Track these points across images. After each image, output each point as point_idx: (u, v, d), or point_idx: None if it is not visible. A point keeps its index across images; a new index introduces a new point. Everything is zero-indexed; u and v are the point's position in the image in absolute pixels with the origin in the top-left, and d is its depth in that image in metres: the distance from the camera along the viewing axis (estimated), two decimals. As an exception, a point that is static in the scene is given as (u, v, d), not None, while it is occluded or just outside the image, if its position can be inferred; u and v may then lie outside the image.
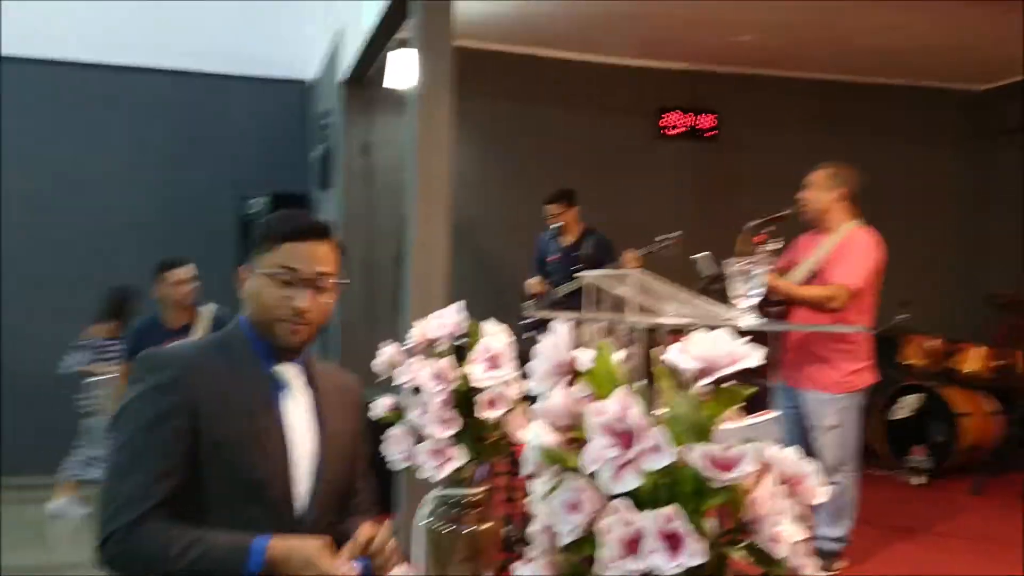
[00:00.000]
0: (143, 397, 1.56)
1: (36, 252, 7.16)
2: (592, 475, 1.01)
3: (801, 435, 3.93)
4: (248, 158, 7.55)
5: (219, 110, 7.61)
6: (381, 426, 2.02)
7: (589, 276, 2.84)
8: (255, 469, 1.60)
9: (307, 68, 7.79)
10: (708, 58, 7.19)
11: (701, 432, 1.04)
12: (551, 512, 1.04)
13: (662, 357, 1.12)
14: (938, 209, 7.71)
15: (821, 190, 4.04)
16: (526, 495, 1.13)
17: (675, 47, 6.97)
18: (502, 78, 7.01)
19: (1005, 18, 5.49)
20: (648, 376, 1.14)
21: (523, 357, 1.20)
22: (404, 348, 2.04)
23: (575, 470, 1.03)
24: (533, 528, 1.09)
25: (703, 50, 6.97)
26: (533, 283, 5.93)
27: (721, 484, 0.96)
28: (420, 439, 1.95)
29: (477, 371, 1.94)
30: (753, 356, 1.05)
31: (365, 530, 1.61)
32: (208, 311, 4.74)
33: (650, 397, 1.09)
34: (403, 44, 5.19)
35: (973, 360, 6.36)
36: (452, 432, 1.91)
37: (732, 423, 1.17)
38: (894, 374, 6.21)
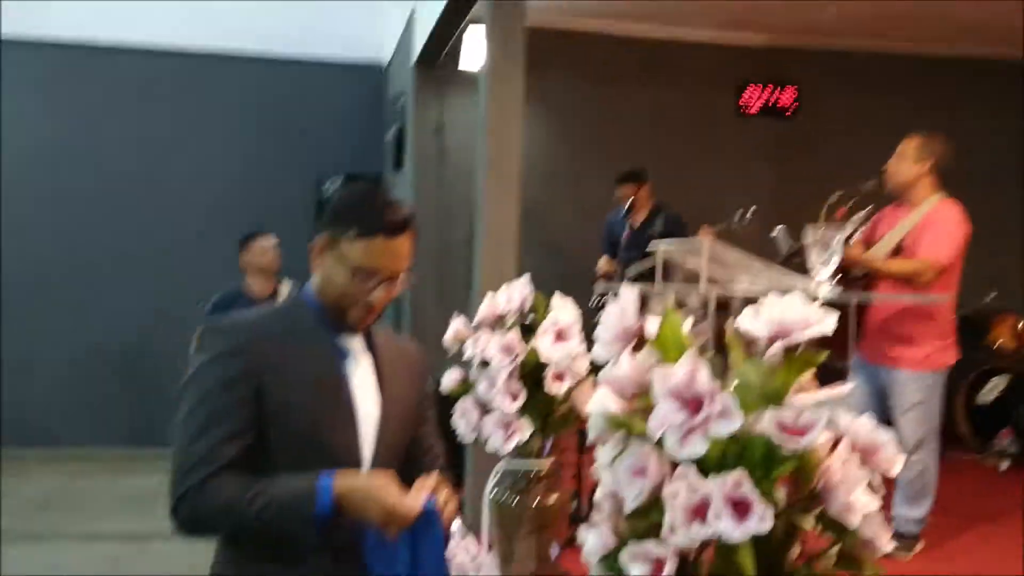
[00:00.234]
0: (210, 364, 1.59)
1: (123, 234, 7.41)
2: (658, 441, 0.99)
3: (881, 414, 3.84)
4: (326, 141, 7.66)
5: (298, 95, 7.72)
6: (451, 399, 2.05)
7: (661, 247, 2.80)
8: (321, 434, 1.63)
9: (384, 51, 7.85)
10: (789, 32, 7.02)
11: (772, 399, 1.01)
12: (616, 478, 1.02)
13: (734, 324, 1.10)
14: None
15: (909, 161, 3.91)
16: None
17: (755, 21, 6.82)
18: (575, 57, 6.96)
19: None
20: (721, 349, 1.11)
21: (592, 337, 1.18)
22: (473, 322, 2.06)
23: (641, 436, 1.02)
24: (598, 494, 1.08)
25: (784, 23, 6.80)
26: (603, 263, 5.89)
27: (792, 451, 0.93)
28: (487, 412, 1.96)
29: (544, 344, 1.94)
30: (827, 321, 1.01)
31: (426, 483, 1.63)
32: (287, 287, 4.89)
33: (722, 370, 1.06)
34: (476, 24, 5.19)
35: (1065, 342, 6.12)
36: (519, 405, 1.92)
37: (806, 395, 1.14)
38: (979, 355, 6.00)
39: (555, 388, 1.94)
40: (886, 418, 3.82)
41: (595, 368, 1.43)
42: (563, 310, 1.97)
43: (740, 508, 0.91)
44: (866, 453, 0.99)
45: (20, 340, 7.22)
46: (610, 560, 1.03)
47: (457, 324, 2.07)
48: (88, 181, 7.37)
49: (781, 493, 1.00)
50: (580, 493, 3.87)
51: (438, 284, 6.38)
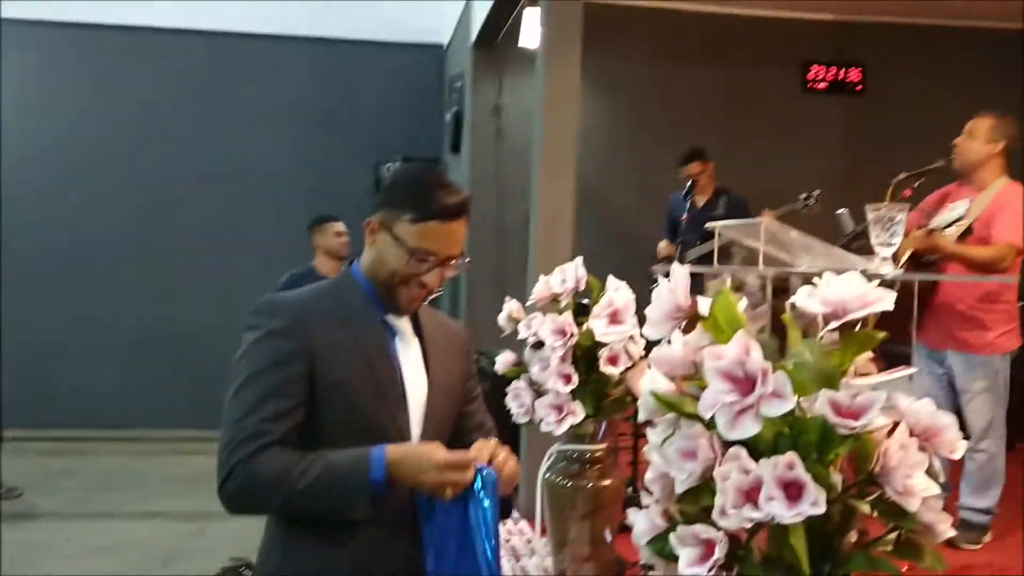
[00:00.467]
0: (263, 341, 1.60)
1: (182, 220, 7.55)
2: (709, 422, 0.97)
3: (944, 401, 3.73)
4: (385, 125, 7.69)
5: (358, 76, 7.77)
6: (505, 381, 2.04)
7: (719, 228, 2.75)
8: (370, 412, 1.63)
9: (444, 33, 7.84)
10: (855, 7, 6.82)
11: (828, 380, 0.98)
12: (666, 460, 1.00)
13: (790, 302, 1.07)
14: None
15: (979, 141, 3.77)
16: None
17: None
18: (634, 34, 6.85)
19: None
20: (779, 331, 1.08)
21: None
22: (527, 303, 2.05)
23: (691, 417, 1.00)
24: (648, 476, 1.06)
25: (851, -1, 6.61)
26: (663, 246, 5.81)
27: (847, 432, 0.90)
28: (541, 394, 1.95)
29: (599, 326, 1.92)
30: (886, 299, 0.98)
31: (483, 445, 1.64)
32: None
33: (779, 351, 1.04)
34: (535, 3, 5.15)
35: None
36: (572, 387, 1.90)
37: (866, 379, 1.11)
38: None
39: (609, 370, 1.92)
40: (951, 406, 3.71)
41: (650, 351, 1.41)
42: (618, 292, 1.95)
43: (792, 491, 0.88)
44: (927, 436, 0.96)
45: (86, 329, 7.43)
46: (659, 543, 1.01)
47: (511, 305, 2.06)
48: (152, 168, 7.52)
49: (837, 477, 0.97)
50: (636, 479, 3.84)
51: (495, 266, 6.38)
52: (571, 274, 1.99)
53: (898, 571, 0.97)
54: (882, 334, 0.98)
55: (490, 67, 6.51)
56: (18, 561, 4.62)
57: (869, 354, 1.06)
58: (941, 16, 6.93)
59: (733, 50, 6.95)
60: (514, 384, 1.99)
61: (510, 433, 1.98)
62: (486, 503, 1.57)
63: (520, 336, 1.99)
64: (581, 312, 1.99)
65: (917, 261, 3.67)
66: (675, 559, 0.97)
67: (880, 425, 0.96)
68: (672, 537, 0.98)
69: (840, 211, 3.68)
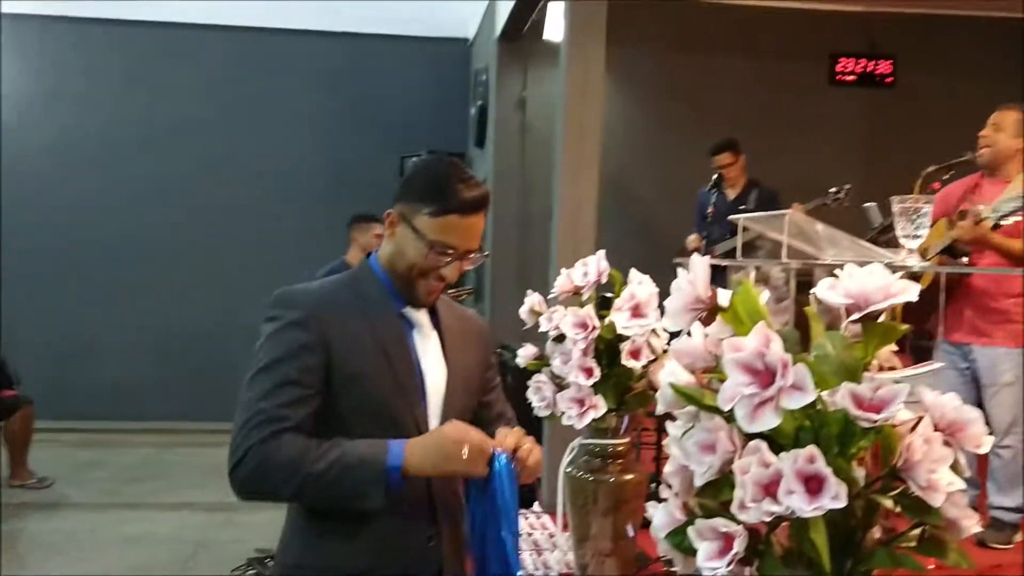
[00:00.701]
0: (280, 332, 1.61)
1: (207, 216, 7.62)
2: (729, 415, 0.95)
3: (968, 397, 3.67)
4: (411, 118, 7.70)
5: (383, 71, 7.78)
6: (527, 374, 2.03)
7: (743, 220, 2.72)
8: (390, 404, 1.63)
9: (469, 26, 7.84)
10: (884, -3, 6.73)
11: (851, 373, 0.96)
12: (686, 452, 0.99)
13: (812, 292, 1.05)
14: None
15: (1008, 134, 3.71)
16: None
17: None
18: (660, 26, 6.80)
19: None
20: (804, 327, 1.07)
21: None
22: (549, 296, 2.04)
23: (711, 409, 0.98)
24: (667, 469, 1.05)
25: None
26: (692, 240, 5.76)
27: (869, 425, 0.88)
28: (562, 387, 1.94)
29: (621, 319, 1.91)
30: (909, 290, 0.96)
31: (508, 432, 1.64)
32: None
33: (801, 344, 1.02)
34: (557, -4, 5.13)
35: None
36: (594, 380, 1.89)
37: (892, 373, 1.09)
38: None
39: (631, 364, 1.91)
40: (976, 401, 3.65)
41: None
42: (640, 285, 1.93)
43: (813, 485, 0.87)
44: (952, 431, 0.94)
45: (116, 323, 7.51)
46: (678, 536, 1.00)
47: (532, 299, 2.05)
48: (182, 163, 7.59)
49: (860, 471, 0.95)
50: (659, 474, 3.82)
51: (518, 260, 6.37)
52: (593, 267, 1.98)
53: (923, 567, 0.96)
54: (905, 327, 0.96)
55: (515, 61, 6.49)
56: (47, 550, 4.69)
57: (893, 347, 1.05)
58: (974, 8, 6.81)
59: (760, 42, 6.89)
60: (535, 377, 1.98)
61: (532, 426, 1.97)
62: (505, 491, 1.57)
63: (542, 329, 1.99)
64: (604, 305, 1.98)
65: (951, 253, 3.61)
66: (694, 553, 0.96)
67: (904, 419, 0.95)
68: (691, 531, 0.96)
69: (868, 204, 3.64)
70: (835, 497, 0.85)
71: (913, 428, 0.93)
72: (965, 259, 3.62)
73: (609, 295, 1.99)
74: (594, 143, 3.90)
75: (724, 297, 1.10)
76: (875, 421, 0.88)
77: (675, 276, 1.20)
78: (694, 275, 1.08)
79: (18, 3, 7.23)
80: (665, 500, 1.06)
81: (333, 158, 7.70)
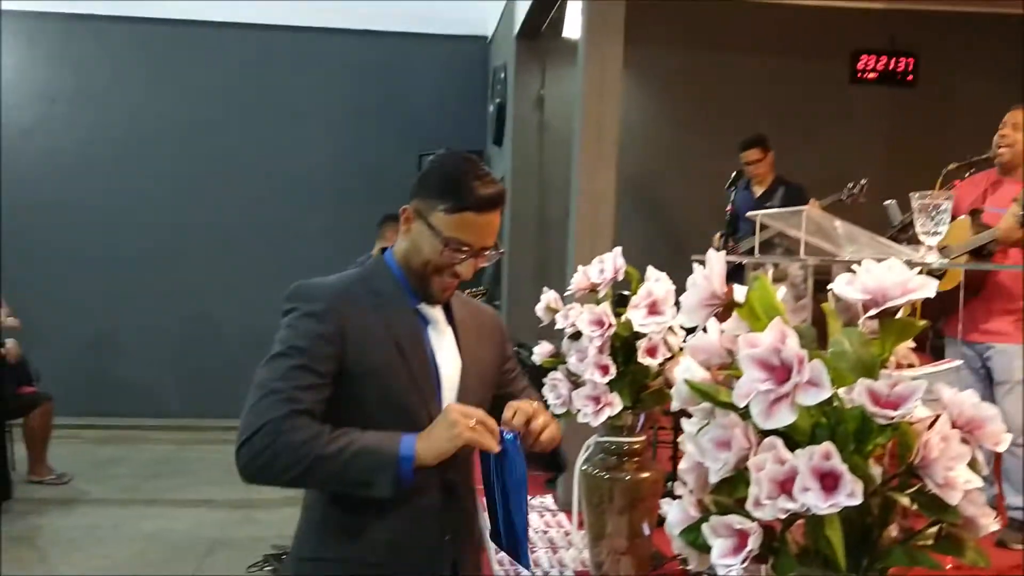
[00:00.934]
0: (298, 321, 1.62)
1: (228, 213, 7.65)
2: (744, 411, 0.95)
3: (987, 396, 3.63)
4: (430, 115, 7.71)
5: (402, 68, 7.79)
6: (542, 372, 2.03)
7: (760, 217, 2.71)
8: (405, 399, 1.63)
9: (488, 23, 7.84)
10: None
11: (868, 369, 0.95)
12: (701, 449, 0.99)
13: (829, 288, 1.04)
14: None
15: (1024, 133, 3.67)
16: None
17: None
18: (678, 23, 6.76)
19: None
20: (822, 325, 1.06)
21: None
22: (565, 294, 2.03)
23: (726, 406, 0.98)
24: (682, 466, 1.05)
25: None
26: (718, 238, 5.73)
27: (885, 422, 0.88)
28: (578, 385, 1.94)
29: (637, 317, 1.90)
30: (928, 286, 0.95)
31: (518, 405, 1.65)
32: None
33: (819, 340, 1.01)
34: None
35: None
36: (610, 378, 1.89)
37: (911, 370, 1.08)
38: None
39: (647, 362, 1.90)
40: (990, 399, 3.62)
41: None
42: (657, 283, 1.92)
43: (828, 481, 0.86)
44: (969, 428, 0.93)
45: (136, 320, 7.56)
46: (692, 533, 0.99)
47: (548, 296, 2.05)
48: (203, 162, 7.63)
49: (876, 468, 0.95)
50: (676, 473, 3.80)
51: (536, 258, 6.36)
52: (609, 264, 1.98)
53: (940, 566, 0.95)
54: (923, 323, 0.95)
55: (533, 59, 6.49)
56: (66, 546, 4.73)
57: (911, 343, 1.04)
58: (995, 5, 6.75)
59: (779, 40, 6.84)
60: (551, 375, 1.98)
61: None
62: (516, 470, 1.58)
63: (558, 326, 1.98)
64: (621, 303, 1.97)
65: (978, 253, 3.58)
66: (708, 550, 0.95)
67: (921, 416, 0.94)
68: (705, 528, 0.96)
69: (888, 202, 3.61)
70: (851, 494, 0.84)
71: (931, 425, 0.93)
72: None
73: (626, 292, 1.99)
74: (612, 141, 3.88)
75: (740, 293, 1.09)
76: (892, 418, 0.87)
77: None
78: (710, 271, 1.08)
79: (35, 2, 7.29)
80: (678, 496, 1.06)
81: (352, 155, 7.72)
